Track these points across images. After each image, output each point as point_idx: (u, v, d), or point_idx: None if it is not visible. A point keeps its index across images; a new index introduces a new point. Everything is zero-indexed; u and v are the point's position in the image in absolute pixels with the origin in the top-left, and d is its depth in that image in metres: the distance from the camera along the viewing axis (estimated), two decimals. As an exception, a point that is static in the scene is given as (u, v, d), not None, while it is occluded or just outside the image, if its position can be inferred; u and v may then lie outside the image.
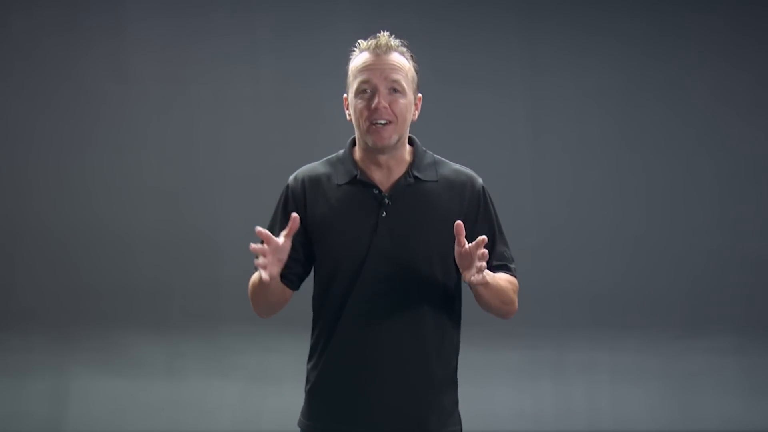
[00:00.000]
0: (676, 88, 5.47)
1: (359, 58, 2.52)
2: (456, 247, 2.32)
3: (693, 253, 5.44)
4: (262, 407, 5.22)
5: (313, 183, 2.55)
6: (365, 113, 2.46)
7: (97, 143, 5.33)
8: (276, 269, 2.34)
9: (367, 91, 2.47)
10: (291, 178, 2.58)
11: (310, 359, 2.58)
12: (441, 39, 5.36)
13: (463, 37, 5.40)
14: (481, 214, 2.52)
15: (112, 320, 5.32)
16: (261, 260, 2.32)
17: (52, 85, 5.35)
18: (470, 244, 2.29)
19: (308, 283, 2.57)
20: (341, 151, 2.59)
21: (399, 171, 2.53)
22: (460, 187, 2.53)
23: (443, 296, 2.51)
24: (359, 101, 2.48)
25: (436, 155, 2.59)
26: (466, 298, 2.51)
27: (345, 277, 2.49)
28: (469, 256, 2.30)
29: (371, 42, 2.51)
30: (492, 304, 2.46)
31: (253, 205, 5.25)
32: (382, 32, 2.53)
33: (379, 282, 2.47)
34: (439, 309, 2.51)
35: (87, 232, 5.31)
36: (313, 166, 2.59)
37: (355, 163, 2.55)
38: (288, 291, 2.55)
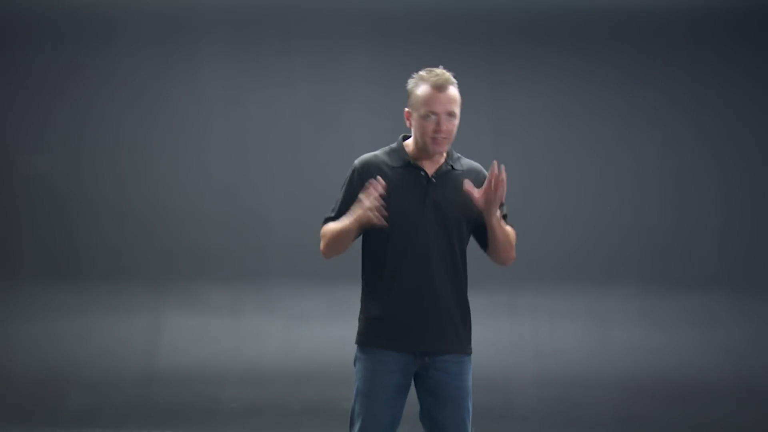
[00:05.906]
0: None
1: (424, 89, 2.84)
2: (479, 193, 2.79)
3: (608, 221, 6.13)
4: (299, 338, 5.87)
5: (373, 165, 2.92)
6: (430, 132, 2.85)
7: (173, 146, 6.16)
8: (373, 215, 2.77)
9: (431, 117, 2.84)
10: (357, 162, 2.95)
11: (372, 295, 2.88)
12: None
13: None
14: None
15: (195, 274, 5.98)
16: (370, 202, 2.70)
17: (149, 106, 6.20)
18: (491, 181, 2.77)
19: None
20: (394, 144, 2.99)
21: (439, 162, 2.95)
22: (476, 174, 2.97)
23: (463, 247, 2.95)
24: (426, 123, 2.85)
25: (456, 153, 3.02)
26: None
27: (406, 230, 2.84)
28: (492, 191, 2.76)
29: (433, 78, 2.84)
30: (501, 242, 2.87)
31: (299, 189, 5.98)
32: (439, 68, 2.89)
33: (429, 234, 2.87)
34: (462, 255, 2.94)
35: (172, 208, 6.12)
36: (373, 154, 2.96)
37: (407, 153, 2.94)
38: None
